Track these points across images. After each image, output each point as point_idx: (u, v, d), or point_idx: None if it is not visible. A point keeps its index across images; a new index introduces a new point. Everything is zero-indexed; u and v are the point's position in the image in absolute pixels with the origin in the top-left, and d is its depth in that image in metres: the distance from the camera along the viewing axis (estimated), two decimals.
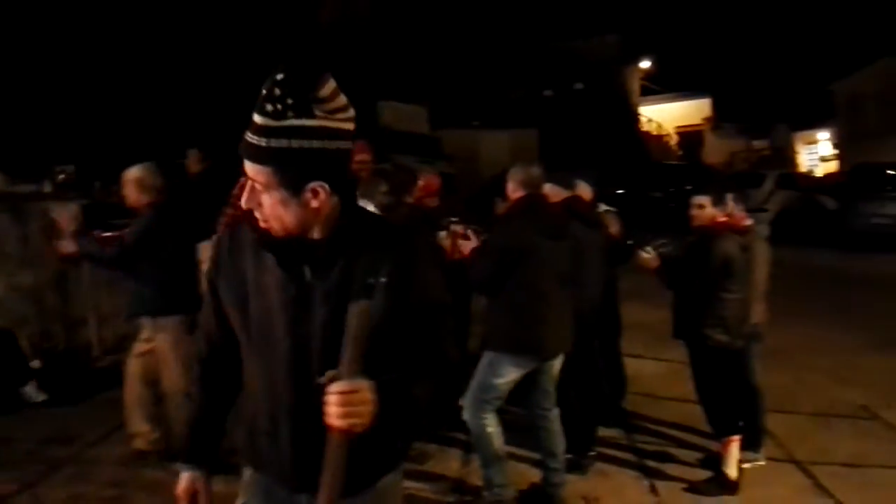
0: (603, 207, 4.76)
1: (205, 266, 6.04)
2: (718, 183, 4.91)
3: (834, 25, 29.61)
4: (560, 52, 29.01)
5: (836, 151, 28.36)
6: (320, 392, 1.38)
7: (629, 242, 4.68)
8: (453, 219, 4.31)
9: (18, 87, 9.54)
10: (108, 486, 3.95)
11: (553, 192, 3.98)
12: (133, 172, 4.08)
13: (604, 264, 4.32)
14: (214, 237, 5.12)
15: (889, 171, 15.16)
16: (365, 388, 1.36)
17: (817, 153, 31.17)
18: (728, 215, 4.04)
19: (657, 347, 6.35)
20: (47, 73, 10.65)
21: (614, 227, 4.63)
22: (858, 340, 7.09)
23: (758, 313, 4.18)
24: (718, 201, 4.02)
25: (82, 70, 11.46)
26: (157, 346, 4.07)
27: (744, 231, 4.10)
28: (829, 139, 30.22)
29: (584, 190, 4.46)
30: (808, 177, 23.04)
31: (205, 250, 6.07)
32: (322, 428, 1.38)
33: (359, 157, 5.25)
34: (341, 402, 1.34)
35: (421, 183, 4.67)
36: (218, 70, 13.95)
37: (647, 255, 4.19)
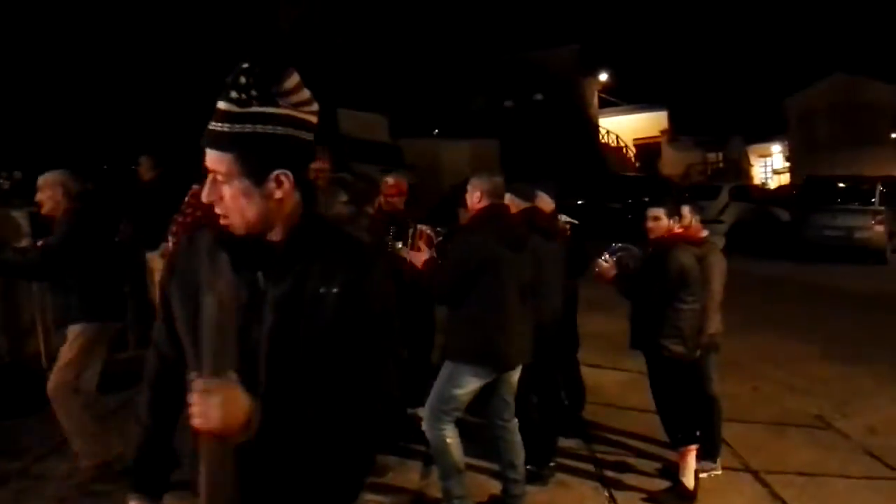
0: (564, 218, 4.77)
1: (156, 275, 5.97)
2: (674, 195, 4.98)
3: (787, 41, 30.61)
4: (520, 62, 29.30)
5: (788, 164, 29.18)
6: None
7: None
8: (421, 225, 4.29)
9: None
10: (56, 501, 3.82)
11: (513, 202, 3.98)
12: (49, 178, 3.93)
13: (563, 275, 4.32)
14: (165, 245, 5.05)
15: (840, 184, 15.62)
16: (232, 387, 1.29)
17: (770, 166, 32.05)
18: (684, 227, 4.09)
19: (616, 357, 6.39)
20: None
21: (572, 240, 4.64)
22: (812, 350, 7.25)
23: (714, 324, 4.22)
24: (673, 213, 4.09)
25: (31, 75, 11.14)
26: (65, 350, 3.89)
27: (699, 242, 4.16)
28: (781, 152, 31.11)
29: (545, 201, 4.46)
30: (762, 189, 23.62)
31: (154, 260, 5.95)
32: (268, 447, 1.32)
33: (315, 164, 5.20)
34: (198, 400, 1.27)
35: (391, 181, 4.63)
36: (174, 76, 13.70)
37: (605, 264, 4.21)
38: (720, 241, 4.39)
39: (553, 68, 29.62)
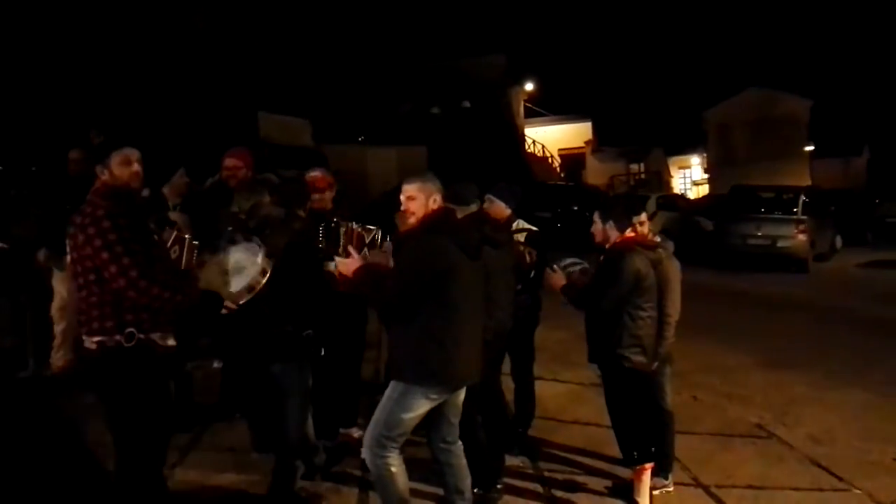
0: (522, 225, 4.50)
1: (60, 284, 5.37)
2: (620, 202, 4.80)
3: (707, 55, 31.74)
4: (447, 69, 29.19)
5: (707, 175, 30.21)
6: None
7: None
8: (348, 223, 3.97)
9: None
10: None
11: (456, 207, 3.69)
12: None
13: (512, 286, 4.05)
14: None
15: (764, 194, 16.05)
16: None
17: (689, 177, 33.12)
18: (635, 231, 3.92)
19: (556, 369, 6.22)
20: None
21: (529, 249, 4.37)
22: (745, 358, 7.28)
23: (671, 333, 4.05)
24: (620, 220, 3.92)
25: None
26: None
27: (653, 247, 3.98)
28: (700, 164, 32.19)
29: (498, 206, 4.22)
30: (687, 199, 24.25)
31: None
32: None
33: (228, 162, 4.77)
34: None
35: (318, 174, 4.29)
36: (88, 74, 12.85)
37: (554, 273, 4.00)
38: (671, 247, 4.22)
39: (480, 76, 29.66)
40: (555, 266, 4.07)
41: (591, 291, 3.93)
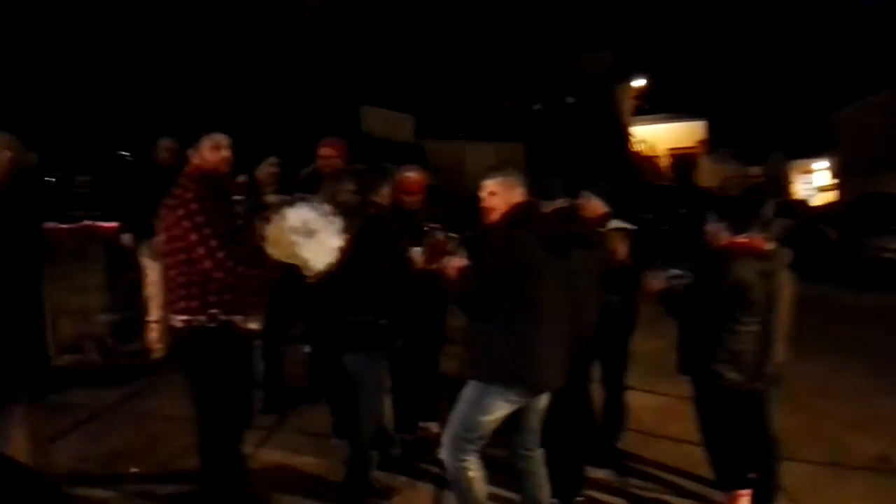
0: (617, 224, 4.26)
1: (149, 268, 5.61)
2: (739, 203, 4.43)
3: (835, 53, 29.46)
4: (552, 65, 28.64)
5: (836, 181, 28.20)
6: None
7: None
8: (435, 225, 3.87)
9: None
10: None
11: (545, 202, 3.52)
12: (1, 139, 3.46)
13: (601, 288, 3.83)
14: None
15: None
16: None
17: (812, 183, 31.06)
18: (749, 237, 3.58)
19: (651, 380, 5.87)
20: (9, 61, 10.11)
21: (621, 249, 4.13)
22: (868, 382, 6.62)
23: (780, 351, 3.69)
24: (737, 224, 3.60)
25: (47, 57, 10.93)
26: None
27: (765, 255, 3.62)
28: (827, 168, 30.09)
29: (594, 204, 4.01)
30: (808, 205, 22.72)
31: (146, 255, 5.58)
32: None
33: (323, 151, 4.82)
34: None
35: (410, 176, 4.24)
36: (197, 68, 13.43)
37: (655, 278, 3.74)
38: (788, 256, 3.83)
39: (586, 72, 28.93)
40: (656, 273, 3.82)
41: (687, 299, 3.66)
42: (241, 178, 4.81)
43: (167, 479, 3.76)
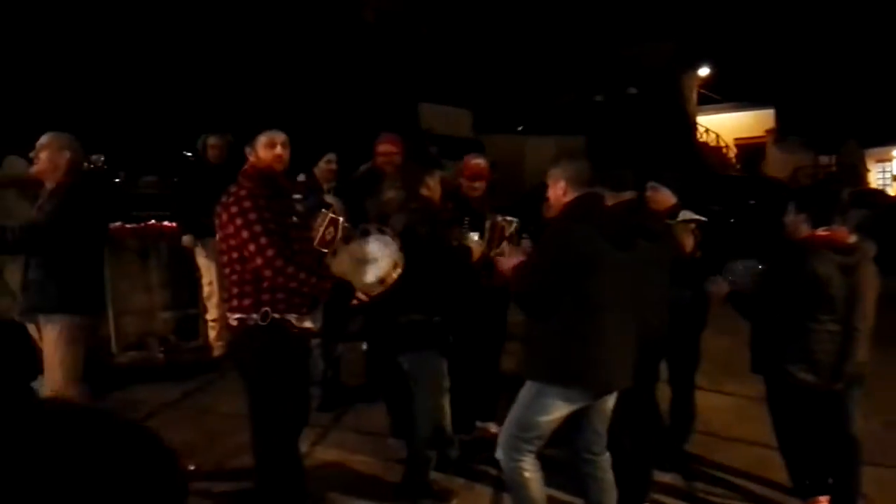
0: (687, 216, 4.06)
1: (205, 267, 5.69)
2: (821, 193, 4.16)
3: None
4: (614, 56, 28.04)
5: None
6: None
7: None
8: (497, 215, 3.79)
9: (49, 76, 9.35)
10: None
11: (605, 193, 3.36)
12: (57, 139, 3.49)
13: (668, 284, 3.65)
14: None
15: None
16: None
17: (890, 171, 29.57)
18: (830, 230, 3.35)
19: (719, 379, 5.63)
20: (78, 61, 10.47)
21: (689, 241, 3.93)
22: None
23: (862, 350, 3.45)
24: (818, 216, 3.37)
25: (113, 59, 11.28)
26: (44, 348, 3.49)
27: (847, 249, 3.38)
28: None
29: (663, 195, 3.83)
30: (884, 195, 21.63)
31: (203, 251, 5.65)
32: None
33: (383, 147, 4.77)
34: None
35: (473, 163, 4.23)
36: (259, 66, 13.64)
37: (719, 282, 3.56)
38: (872, 248, 3.56)
39: (648, 62, 28.23)
40: (721, 277, 3.63)
41: (760, 295, 3.45)
42: (301, 177, 4.81)
43: (224, 476, 3.78)
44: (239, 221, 2.86)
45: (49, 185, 3.45)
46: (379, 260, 3.19)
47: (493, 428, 4.31)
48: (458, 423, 3.95)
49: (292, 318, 2.94)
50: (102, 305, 4.17)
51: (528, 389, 2.99)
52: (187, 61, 12.66)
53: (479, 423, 4.34)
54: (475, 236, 3.72)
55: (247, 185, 2.96)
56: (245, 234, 2.84)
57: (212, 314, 5.72)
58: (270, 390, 2.98)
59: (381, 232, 3.30)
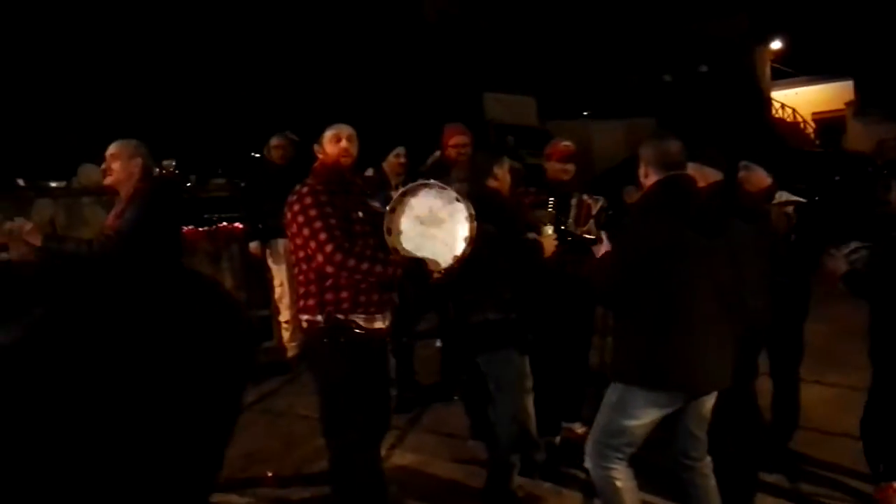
0: (787, 197, 3.75)
1: (275, 269, 5.65)
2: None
3: None
4: (681, 33, 27.04)
5: None
6: None
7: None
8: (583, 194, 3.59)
9: (118, 83, 9.59)
10: None
11: (701, 173, 3.08)
12: (127, 146, 3.43)
13: (768, 269, 3.36)
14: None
15: None
16: None
17: None
18: None
19: (819, 369, 5.22)
20: (145, 67, 10.71)
21: (782, 223, 3.63)
22: None
23: None
24: None
25: (181, 62, 11.49)
26: None
27: None
28: None
29: (757, 175, 3.55)
30: None
31: (282, 248, 5.60)
32: None
33: (456, 139, 4.61)
34: None
35: (561, 144, 4.11)
36: (329, 62, 13.73)
37: (836, 258, 3.23)
38: None
39: (719, 38, 27.14)
40: (834, 251, 3.31)
41: (876, 278, 3.13)
42: (369, 171, 4.71)
43: (301, 481, 3.70)
44: (301, 219, 2.81)
45: (124, 192, 3.42)
46: (446, 220, 2.89)
47: (579, 428, 4.14)
48: (543, 424, 3.76)
49: (358, 318, 2.85)
50: None
51: (613, 392, 2.77)
52: (256, 61, 12.86)
53: (564, 424, 4.14)
54: (549, 230, 3.51)
55: (310, 183, 2.92)
56: (306, 231, 2.79)
57: (284, 315, 5.68)
58: (338, 394, 2.90)
59: (442, 188, 3.00)
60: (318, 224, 2.76)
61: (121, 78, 9.47)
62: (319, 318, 2.82)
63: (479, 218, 2.96)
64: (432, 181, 3.09)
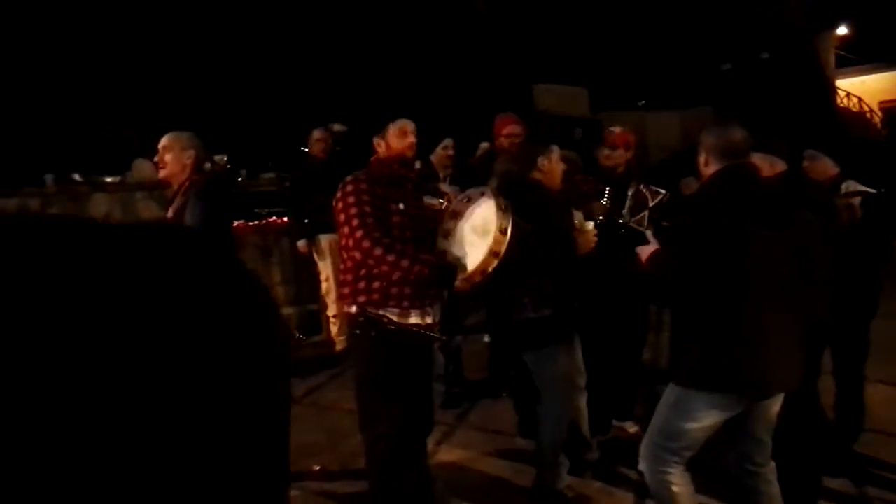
0: (854, 187, 3.54)
1: (321, 264, 5.64)
2: None
3: None
4: (741, 19, 26.19)
5: None
6: None
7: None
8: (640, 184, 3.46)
9: (170, 78, 9.74)
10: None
11: (764, 162, 2.92)
12: (181, 138, 3.42)
13: (834, 263, 3.16)
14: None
15: None
16: None
17: None
18: None
19: (886, 369, 4.95)
20: (202, 60, 10.85)
21: (847, 215, 3.42)
22: None
23: None
24: None
25: (234, 58, 11.62)
26: None
27: None
28: None
29: (824, 164, 3.36)
30: None
31: (325, 244, 5.57)
32: None
33: (509, 129, 4.51)
34: None
35: (616, 132, 4.03)
36: (379, 55, 13.75)
37: None
38: None
39: (780, 24, 26.21)
40: None
41: None
42: (417, 165, 4.66)
43: (348, 476, 3.66)
44: (340, 206, 2.82)
45: (176, 185, 3.43)
46: (490, 232, 2.82)
47: (631, 427, 4.03)
48: (595, 422, 3.65)
49: (391, 312, 2.82)
50: None
51: (672, 392, 2.64)
52: (308, 53, 12.95)
53: (616, 423, 4.02)
54: (590, 225, 3.37)
55: (352, 177, 2.90)
56: (342, 218, 2.80)
57: (331, 310, 5.69)
58: (370, 386, 2.89)
59: (483, 194, 2.98)
60: (353, 211, 2.77)
61: (174, 73, 9.63)
62: (354, 310, 2.82)
63: (517, 211, 2.91)
64: (488, 189, 3.05)
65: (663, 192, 3.64)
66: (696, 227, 2.56)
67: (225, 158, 7.68)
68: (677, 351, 2.66)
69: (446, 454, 3.95)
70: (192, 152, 3.41)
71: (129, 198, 5.94)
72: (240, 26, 11.46)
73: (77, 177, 5.98)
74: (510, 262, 2.94)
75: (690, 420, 2.55)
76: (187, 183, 3.39)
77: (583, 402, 3.44)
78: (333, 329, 5.71)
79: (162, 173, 3.51)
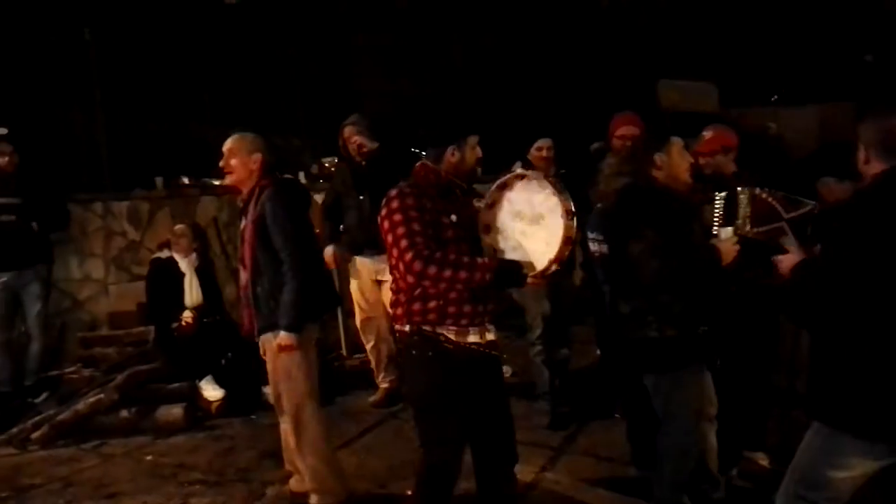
0: None
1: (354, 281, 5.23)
2: None
3: None
4: (884, 4, 23.94)
5: None
6: None
7: None
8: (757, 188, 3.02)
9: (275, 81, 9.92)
10: None
11: None
12: (247, 141, 3.28)
13: None
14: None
15: None
16: None
17: None
18: None
19: None
20: (299, 65, 11.03)
21: None
22: None
23: None
24: None
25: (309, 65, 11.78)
26: (276, 360, 3.28)
27: None
28: None
29: None
30: None
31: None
32: None
33: (623, 130, 4.15)
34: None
35: (708, 135, 3.58)
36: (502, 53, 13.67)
37: None
38: None
39: None
40: None
41: None
42: (517, 166, 4.38)
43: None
44: (386, 225, 2.61)
45: (246, 192, 3.33)
46: (546, 216, 2.55)
47: (762, 459, 3.56)
48: (723, 455, 3.22)
49: (448, 331, 2.61)
50: (333, 306, 4.10)
51: (816, 433, 2.21)
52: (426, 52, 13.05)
53: (746, 454, 3.56)
54: (728, 231, 2.96)
55: (398, 187, 2.67)
56: (390, 238, 2.59)
57: (369, 348, 5.35)
58: (426, 409, 2.71)
59: (541, 179, 2.65)
60: (400, 231, 2.55)
61: (278, 78, 9.79)
62: (407, 328, 2.64)
63: (639, 220, 2.63)
64: (531, 172, 2.82)
65: (810, 203, 3.09)
66: (857, 237, 2.10)
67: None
68: (824, 383, 2.21)
69: (552, 482, 3.63)
70: (258, 155, 3.28)
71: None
72: (328, 34, 11.56)
73: (186, 180, 6.10)
74: (627, 275, 2.69)
75: (839, 468, 2.14)
76: (256, 189, 3.27)
77: (712, 434, 3.03)
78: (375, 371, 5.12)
79: (228, 180, 3.42)
